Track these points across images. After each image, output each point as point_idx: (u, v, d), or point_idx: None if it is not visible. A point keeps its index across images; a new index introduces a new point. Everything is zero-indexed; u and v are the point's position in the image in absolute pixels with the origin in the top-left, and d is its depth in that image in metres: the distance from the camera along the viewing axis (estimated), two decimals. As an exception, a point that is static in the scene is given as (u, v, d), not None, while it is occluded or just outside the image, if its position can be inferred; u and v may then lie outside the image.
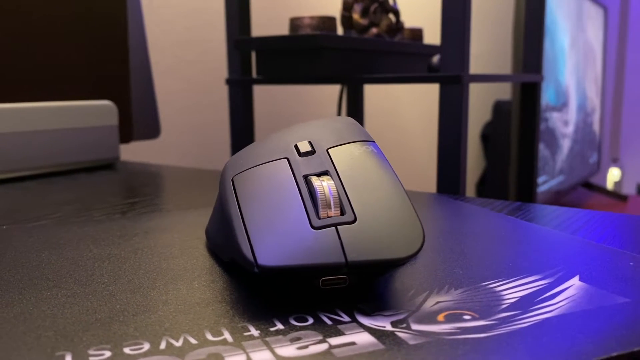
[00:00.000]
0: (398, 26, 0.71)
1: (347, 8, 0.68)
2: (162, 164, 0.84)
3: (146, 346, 0.16)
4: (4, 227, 0.29)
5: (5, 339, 0.17)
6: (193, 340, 0.17)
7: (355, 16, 0.67)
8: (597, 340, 0.16)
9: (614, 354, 0.16)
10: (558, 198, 1.36)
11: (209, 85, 0.92)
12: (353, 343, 0.16)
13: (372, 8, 0.68)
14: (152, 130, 0.64)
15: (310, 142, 0.22)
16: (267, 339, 0.17)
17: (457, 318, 0.18)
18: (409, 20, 1.35)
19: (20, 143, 0.44)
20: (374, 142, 0.23)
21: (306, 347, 0.16)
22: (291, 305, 0.19)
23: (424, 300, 0.19)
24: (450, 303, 0.19)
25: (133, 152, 0.82)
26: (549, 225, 0.30)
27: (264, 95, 1.01)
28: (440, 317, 0.18)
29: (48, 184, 0.43)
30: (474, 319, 0.18)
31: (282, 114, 1.05)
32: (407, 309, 0.19)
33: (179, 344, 0.16)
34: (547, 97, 1.21)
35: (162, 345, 0.16)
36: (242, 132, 0.71)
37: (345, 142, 0.22)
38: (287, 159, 0.22)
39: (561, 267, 0.23)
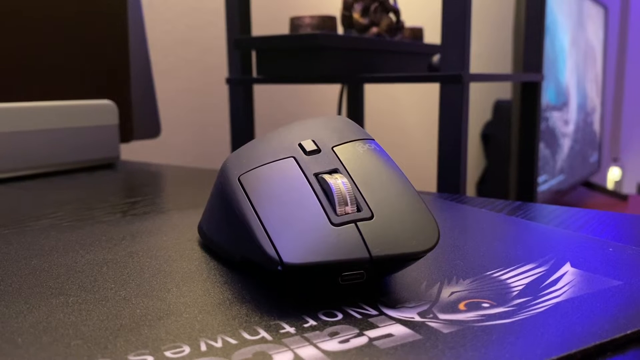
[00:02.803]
0: (398, 25, 0.71)
1: (347, 7, 0.68)
2: (162, 163, 0.84)
3: (186, 349, 0.16)
4: None
5: (33, 350, 0.16)
6: (232, 341, 0.16)
7: (356, 15, 0.67)
8: (612, 320, 0.18)
9: (629, 331, 0.17)
10: (558, 197, 1.35)
11: (209, 84, 0.92)
12: (390, 335, 0.17)
13: (373, 7, 0.68)
14: (152, 129, 0.64)
15: (314, 141, 0.22)
16: (306, 335, 0.17)
17: (477, 306, 0.19)
18: (409, 19, 1.35)
19: (20, 143, 0.44)
20: (373, 139, 0.23)
21: (347, 340, 0.16)
22: (313, 301, 0.19)
23: (439, 291, 0.20)
24: (464, 292, 0.20)
25: (133, 151, 0.82)
26: (549, 224, 0.30)
27: (265, 95, 1.01)
28: (462, 306, 0.19)
29: (48, 184, 0.43)
30: (492, 306, 0.19)
31: (282, 113, 1.05)
32: (427, 300, 0.19)
33: (218, 344, 0.16)
34: (547, 96, 1.21)
35: (203, 347, 0.16)
36: (242, 131, 0.71)
37: (348, 141, 0.23)
38: (294, 157, 0.22)
39: (551, 255, 0.24)
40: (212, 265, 0.23)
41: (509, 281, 0.21)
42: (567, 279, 0.21)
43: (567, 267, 0.22)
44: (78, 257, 0.24)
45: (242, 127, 0.71)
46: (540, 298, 0.19)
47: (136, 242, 0.26)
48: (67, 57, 0.53)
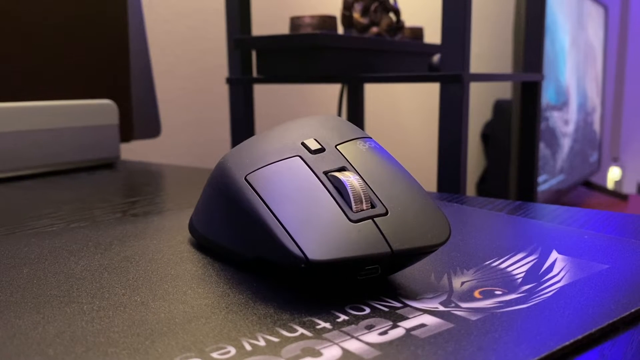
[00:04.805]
0: (398, 25, 0.71)
1: (347, 7, 0.68)
2: (163, 163, 0.84)
3: (232, 350, 0.16)
4: None
5: None
6: (273, 339, 0.16)
7: (356, 15, 0.67)
8: (614, 300, 0.19)
9: (633, 309, 0.18)
10: (558, 197, 1.35)
11: (209, 84, 0.92)
12: (424, 325, 0.17)
13: (373, 7, 0.68)
14: (152, 129, 0.64)
15: (316, 140, 0.22)
16: (343, 329, 0.17)
17: (491, 294, 0.19)
18: (409, 19, 1.35)
19: (21, 142, 0.44)
20: (371, 138, 0.24)
21: (385, 332, 0.16)
22: (333, 297, 0.19)
23: (450, 282, 0.21)
24: (474, 282, 0.21)
25: (133, 151, 0.82)
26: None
27: (265, 94, 1.01)
28: (477, 294, 0.19)
29: (48, 184, 0.43)
30: (504, 293, 0.19)
31: (282, 113, 1.05)
32: (442, 290, 0.20)
33: (262, 343, 0.16)
34: (547, 96, 1.21)
35: (247, 347, 0.16)
36: (242, 131, 0.71)
37: (349, 139, 0.23)
38: (300, 156, 0.22)
39: (537, 245, 0.25)
40: (218, 267, 0.23)
41: (509, 269, 0.22)
42: (559, 265, 0.22)
43: (555, 255, 0.23)
44: (71, 264, 0.23)
45: (243, 127, 0.71)
46: (544, 284, 0.20)
47: (127, 246, 0.25)
48: (68, 57, 0.53)
